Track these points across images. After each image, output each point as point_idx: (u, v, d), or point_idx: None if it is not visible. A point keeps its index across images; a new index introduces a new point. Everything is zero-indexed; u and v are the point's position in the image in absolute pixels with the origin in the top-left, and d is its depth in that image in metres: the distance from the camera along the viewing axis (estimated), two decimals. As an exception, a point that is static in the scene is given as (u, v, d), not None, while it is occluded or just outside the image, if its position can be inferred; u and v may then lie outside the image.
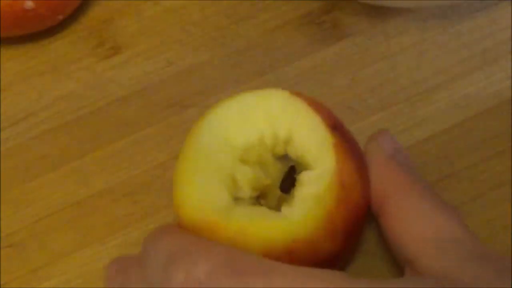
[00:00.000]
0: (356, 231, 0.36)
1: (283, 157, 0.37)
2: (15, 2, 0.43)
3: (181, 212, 0.35)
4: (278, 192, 0.37)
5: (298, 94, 0.37)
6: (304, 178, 0.36)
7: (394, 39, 0.45)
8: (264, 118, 0.37)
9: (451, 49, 0.44)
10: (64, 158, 0.43)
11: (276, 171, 0.38)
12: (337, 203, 0.34)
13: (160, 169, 0.42)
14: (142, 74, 0.45)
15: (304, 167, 0.36)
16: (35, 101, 0.44)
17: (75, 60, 0.45)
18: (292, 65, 0.44)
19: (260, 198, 0.37)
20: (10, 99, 0.44)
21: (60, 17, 0.45)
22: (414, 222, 0.34)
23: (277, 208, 0.36)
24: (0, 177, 0.42)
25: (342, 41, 0.45)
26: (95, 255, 0.40)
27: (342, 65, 0.44)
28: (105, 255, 0.40)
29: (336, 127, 0.36)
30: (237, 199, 0.36)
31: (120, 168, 0.42)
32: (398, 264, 0.37)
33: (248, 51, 0.45)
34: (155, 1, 0.46)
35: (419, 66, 0.44)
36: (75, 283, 0.40)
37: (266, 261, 0.30)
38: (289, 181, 0.37)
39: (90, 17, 0.46)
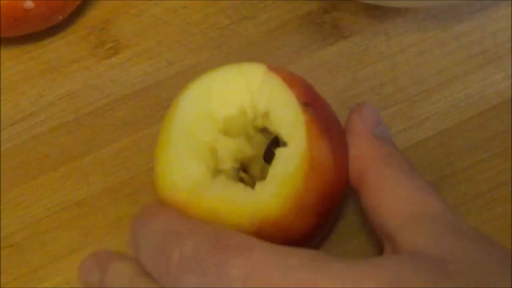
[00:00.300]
0: (330, 210, 0.36)
1: (265, 130, 0.37)
2: (15, 2, 0.43)
3: (157, 189, 0.36)
4: (262, 162, 0.37)
5: (275, 69, 0.37)
6: (278, 155, 0.36)
7: (394, 39, 0.45)
8: (244, 91, 0.37)
9: (451, 49, 0.44)
10: (64, 158, 0.43)
11: (260, 142, 0.38)
12: (306, 183, 0.34)
13: (160, 169, 0.42)
14: (142, 74, 0.45)
15: (282, 141, 0.37)
16: (35, 101, 0.44)
17: (75, 60, 0.45)
18: (292, 65, 0.44)
19: (243, 169, 0.37)
20: (10, 99, 0.44)
21: (60, 17, 0.45)
22: (393, 196, 0.34)
23: (260, 178, 0.37)
24: (0, 177, 0.42)
25: (342, 41, 0.45)
26: (95, 255, 0.40)
27: (342, 65, 0.44)
28: (105, 255, 0.40)
29: (310, 104, 0.36)
30: (219, 172, 0.36)
31: (120, 168, 0.42)
32: (377, 240, 0.37)
33: (248, 51, 0.45)
34: (155, 1, 0.46)
35: (419, 66, 0.44)
36: (75, 283, 0.40)
37: (249, 239, 0.31)
38: (272, 151, 0.37)
39: (90, 17, 0.46)
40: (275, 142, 0.37)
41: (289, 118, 0.36)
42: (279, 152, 0.36)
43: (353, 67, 0.44)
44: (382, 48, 0.44)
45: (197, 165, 0.36)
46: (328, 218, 0.37)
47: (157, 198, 0.38)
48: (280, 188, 0.34)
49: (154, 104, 0.44)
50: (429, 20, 0.45)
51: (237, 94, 0.37)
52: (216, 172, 0.36)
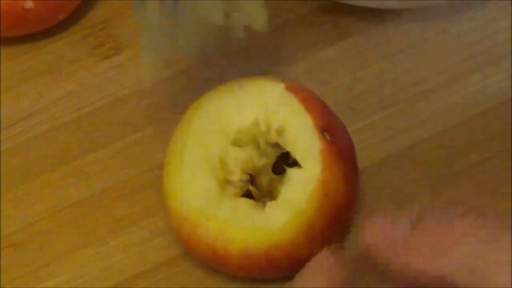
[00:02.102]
0: (339, 229, 0.37)
1: (277, 144, 0.37)
2: (15, 2, 0.43)
3: (167, 202, 0.37)
4: (270, 173, 0.38)
5: (293, 88, 0.37)
6: (291, 176, 0.36)
7: (394, 39, 0.45)
8: (259, 106, 0.37)
9: (451, 49, 0.44)
10: (64, 158, 0.43)
11: (269, 154, 0.38)
12: (318, 211, 0.35)
13: (160, 169, 0.42)
14: (142, 74, 0.45)
15: (293, 158, 0.37)
16: (35, 101, 0.44)
17: (75, 60, 0.45)
18: (292, 65, 0.44)
19: (251, 181, 0.37)
20: (10, 99, 0.44)
21: (60, 17, 0.45)
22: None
23: (268, 191, 0.37)
24: (0, 177, 0.42)
25: (342, 41, 0.45)
26: (95, 255, 0.40)
27: (342, 65, 0.44)
28: (105, 255, 0.40)
29: (327, 129, 0.36)
30: (228, 183, 0.36)
31: (120, 168, 0.42)
32: None
33: (249, 51, 0.45)
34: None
35: (419, 66, 0.44)
36: (75, 283, 0.40)
37: None
38: (281, 164, 0.37)
39: (90, 17, 0.46)
40: (286, 156, 0.37)
41: (304, 140, 0.36)
42: (292, 173, 0.36)
43: (353, 67, 0.44)
44: (382, 48, 0.44)
45: (208, 182, 0.36)
46: (337, 235, 0.37)
47: (163, 204, 0.38)
48: (293, 215, 0.35)
49: (154, 104, 0.44)
50: (429, 20, 0.45)
51: (252, 108, 0.37)
52: (226, 182, 0.36)
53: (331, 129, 0.36)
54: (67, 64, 0.45)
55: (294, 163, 0.37)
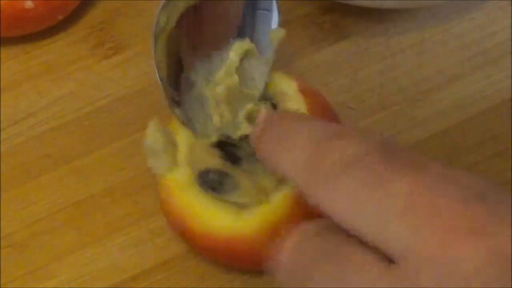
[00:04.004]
0: None
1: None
2: (15, 2, 0.43)
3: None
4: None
5: (305, 90, 0.37)
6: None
7: (394, 39, 0.45)
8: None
9: (451, 49, 0.44)
10: (64, 158, 0.43)
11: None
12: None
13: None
14: (142, 74, 0.45)
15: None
16: (35, 101, 0.44)
17: (75, 60, 0.45)
18: (292, 65, 0.44)
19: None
20: (10, 99, 0.44)
21: (60, 17, 0.45)
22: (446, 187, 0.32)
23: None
24: (0, 177, 0.42)
25: (342, 41, 0.45)
26: (95, 255, 0.40)
27: (342, 65, 0.44)
28: (105, 255, 0.40)
29: None
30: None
31: (120, 168, 0.42)
32: None
33: (248, 51, 0.45)
34: (155, 1, 0.46)
35: (419, 66, 0.44)
36: (75, 283, 0.40)
37: (418, 156, 0.28)
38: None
39: (90, 17, 0.46)
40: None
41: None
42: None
43: (353, 67, 0.44)
44: (382, 48, 0.44)
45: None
46: None
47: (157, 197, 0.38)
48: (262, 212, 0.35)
49: (154, 104, 0.44)
50: (429, 20, 0.45)
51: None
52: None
53: None
54: (67, 64, 0.45)
55: None
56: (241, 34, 0.38)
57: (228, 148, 0.37)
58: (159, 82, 0.37)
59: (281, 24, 0.38)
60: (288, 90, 0.37)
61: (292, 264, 0.28)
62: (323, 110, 0.37)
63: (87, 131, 0.43)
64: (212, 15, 0.38)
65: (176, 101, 0.37)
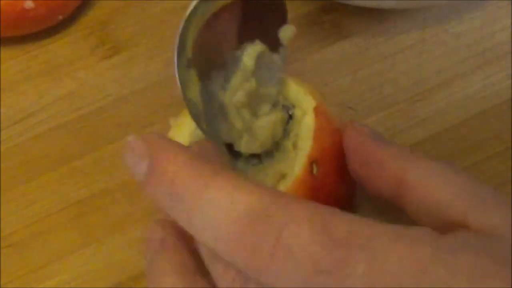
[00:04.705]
0: None
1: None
2: (15, 2, 0.43)
3: None
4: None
5: (320, 112, 0.37)
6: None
7: (394, 39, 0.45)
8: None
9: (451, 49, 0.44)
10: (64, 158, 0.43)
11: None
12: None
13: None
14: (142, 74, 0.45)
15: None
16: (35, 101, 0.44)
17: (75, 60, 0.45)
18: (292, 65, 0.44)
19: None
20: (10, 99, 0.44)
21: (60, 17, 0.45)
22: (444, 184, 0.31)
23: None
24: (0, 177, 0.42)
25: (342, 41, 0.45)
26: (95, 255, 0.40)
27: (342, 65, 0.44)
28: (105, 255, 0.40)
29: (318, 162, 0.35)
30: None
31: (120, 168, 0.42)
32: None
33: (248, 51, 0.45)
34: (155, 1, 0.46)
35: (419, 66, 0.44)
36: (75, 283, 0.40)
37: (366, 224, 0.27)
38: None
39: (90, 17, 0.46)
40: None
41: (291, 163, 0.36)
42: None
43: (353, 67, 0.44)
44: (382, 48, 0.44)
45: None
46: None
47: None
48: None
49: (154, 104, 0.44)
50: (429, 20, 0.45)
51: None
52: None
53: (324, 165, 0.36)
54: (67, 64, 0.45)
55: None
56: (250, 36, 0.38)
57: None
58: (186, 102, 0.36)
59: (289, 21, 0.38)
60: (305, 105, 0.37)
61: None
62: (327, 135, 0.37)
63: (87, 131, 0.43)
64: (221, 25, 0.38)
65: (200, 117, 0.37)
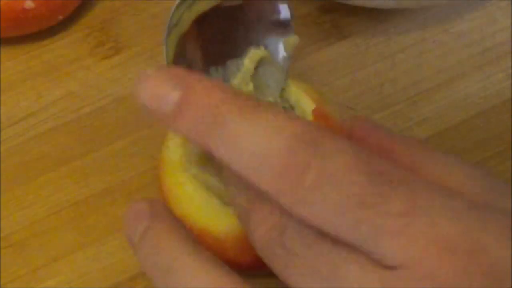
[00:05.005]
0: None
1: None
2: (15, 2, 0.43)
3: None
4: None
5: (318, 114, 0.37)
6: None
7: (394, 39, 0.45)
8: None
9: (451, 49, 0.44)
10: (64, 158, 0.43)
11: None
12: None
13: (160, 169, 0.42)
14: (142, 74, 0.45)
15: None
16: (35, 101, 0.44)
17: (75, 60, 0.45)
18: (292, 65, 0.44)
19: None
20: (10, 99, 0.44)
21: (60, 17, 0.45)
22: (452, 173, 0.31)
23: None
24: (0, 177, 0.42)
25: (342, 41, 0.45)
26: (95, 255, 0.40)
27: (342, 65, 0.44)
28: (105, 255, 0.40)
29: None
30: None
31: (120, 168, 0.42)
32: None
33: (248, 51, 0.45)
34: (155, 1, 0.46)
35: (419, 66, 0.44)
36: (75, 283, 0.40)
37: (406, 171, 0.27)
38: None
39: (90, 17, 0.46)
40: None
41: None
42: None
43: (353, 67, 0.44)
44: (382, 48, 0.44)
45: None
46: None
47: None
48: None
49: (154, 104, 0.44)
50: (429, 20, 0.45)
51: None
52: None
53: None
54: (67, 64, 0.45)
55: None
56: (255, 41, 0.38)
57: None
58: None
59: (295, 31, 0.38)
60: (304, 107, 0.37)
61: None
62: None
63: (87, 131, 0.43)
64: (226, 23, 0.38)
65: None
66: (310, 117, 0.36)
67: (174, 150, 0.37)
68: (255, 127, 0.26)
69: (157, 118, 0.28)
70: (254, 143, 0.26)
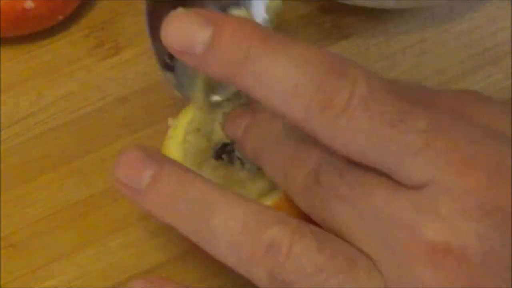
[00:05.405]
0: None
1: None
2: (15, 2, 0.43)
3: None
4: None
5: None
6: None
7: (394, 39, 0.45)
8: None
9: (451, 49, 0.44)
10: (64, 158, 0.43)
11: None
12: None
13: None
14: (142, 74, 0.45)
15: None
16: (35, 101, 0.44)
17: (75, 60, 0.45)
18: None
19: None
20: (10, 99, 0.44)
21: (60, 17, 0.45)
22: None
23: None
24: (0, 177, 0.42)
25: (342, 41, 0.45)
26: (95, 255, 0.40)
27: (342, 65, 0.44)
28: (105, 255, 0.40)
29: None
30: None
31: (120, 168, 0.42)
32: None
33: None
34: (155, 1, 0.46)
35: (419, 66, 0.44)
36: (75, 283, 0.40)
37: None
38: None
39: (90, 17, 0.46)
40: None
41: None
42: None
43: (353, 67, 0.44)
44: (382, 48, 0.44)
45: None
46: None
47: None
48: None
49: (154, 104, 0.44)
50: (429, 20, 0.45)
51: None
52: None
53: None
54: (67, 64, 0.45)
55: None
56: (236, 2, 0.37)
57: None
58: (151, 43, 0.36)
59: None
60: None
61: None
62: None
63: (87, 131, 0.43)
64: None
65: (168, 65, 0.37)
66: None
67: (174, 150, 0.37)
68: (284, 61, 0.27)
69: (186, 60, 0.29)
70: (285, 76, 0.27)
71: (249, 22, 0.28)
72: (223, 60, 0.28)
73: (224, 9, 0.36)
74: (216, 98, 0.36)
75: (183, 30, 0.28)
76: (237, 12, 0.36)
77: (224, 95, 0.36)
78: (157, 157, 0.31)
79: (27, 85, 0.45)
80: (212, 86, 0.36)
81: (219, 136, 0.37)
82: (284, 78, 0.27)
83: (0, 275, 0.40)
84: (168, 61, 0.36)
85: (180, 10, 0.29)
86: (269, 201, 0.35)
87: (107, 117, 0.44)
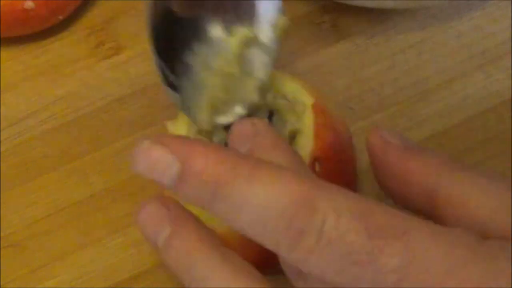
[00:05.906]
0: None
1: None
2: (15, 2, 0.43)
3: None
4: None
5: (318, 109, 0.37)
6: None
7: (394, 39, 0.45)
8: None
9: (451, 49, 0.44)
10: (64, 158, 0.43)
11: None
12: None
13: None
14: (142, 74, 0.45)
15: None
16: (35, 101, 0.44)
17: (75, 60, 0.45)
18: (292, 65, 0.44)
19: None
20: (10, 99, 0.44)
21: (60, 17, 0.45)
22: (482, 198, 0.30)
23: None
24: (0, 177, 0.42)
25: (342, 41, 0.45)
26: (95, 255, 0.40)
27: (342, 65, 0.44)
28: (105, 255, 0.40)
29: (321, 160, 0.35)
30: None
31: (120, 168, 0.42)
32: None
33: (248, 51, 0.45)
34: (155, 1, 0.46)
35: (419, 66, 0.44)
36: (75, 283, 0.40)
37: (403, 218, 0.27)
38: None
39: (90, 17, 0.46)
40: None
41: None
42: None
43: (353, 67, 0.44)
44: (382, 48, 0.44)
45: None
46: None
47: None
48: None
49: (154, 104, 0.44)
50: (429, 20, 0.45)
51: None
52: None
53: (327, 161, 0.36)
54: (67, 64, 0.45)
55: None
56: (241, 18, 0.36)
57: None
58: (156, 63, 0.36)
59: (283, 12, 0.36)
60: (303, 100, 0.37)
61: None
62: (327, 133, 0.37)
63: (87, 131, 0.43)
64: None
65: (173, 85, 0.36)
66: (310, 111, 0.36)
67: None
68: (252, 196, 0.28)
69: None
70: (253, 212, 0.28)
71: (217, 150, 0.29)
72: (192, 194, 0.29)
73: (228, 27, 0.36)
74: (222, 119, 0.36)
75: (152, 166, 0.29)
76: (243, 31, 0.36)
77: (230, 117, 0.36)
78: (175, 214, 0.31)
79: (27, 85, 0.45)
80: (217, 107, 0.36)
81: (220, 135, 0.37)
82: (253, 214, 0.28)
83: (0, 275, 0.40)
84: (173, 81, 0.36)
85: (146, 142, 0.29)
86: None
87: (107, 117, 0.44)
